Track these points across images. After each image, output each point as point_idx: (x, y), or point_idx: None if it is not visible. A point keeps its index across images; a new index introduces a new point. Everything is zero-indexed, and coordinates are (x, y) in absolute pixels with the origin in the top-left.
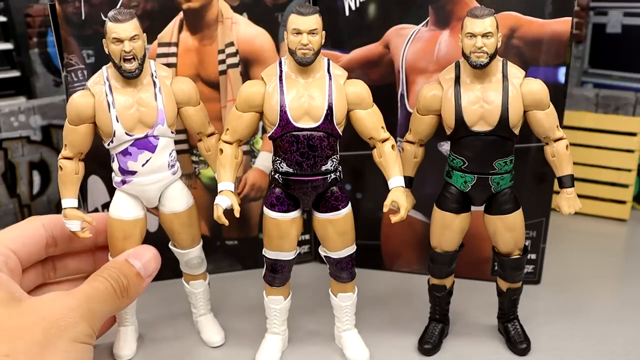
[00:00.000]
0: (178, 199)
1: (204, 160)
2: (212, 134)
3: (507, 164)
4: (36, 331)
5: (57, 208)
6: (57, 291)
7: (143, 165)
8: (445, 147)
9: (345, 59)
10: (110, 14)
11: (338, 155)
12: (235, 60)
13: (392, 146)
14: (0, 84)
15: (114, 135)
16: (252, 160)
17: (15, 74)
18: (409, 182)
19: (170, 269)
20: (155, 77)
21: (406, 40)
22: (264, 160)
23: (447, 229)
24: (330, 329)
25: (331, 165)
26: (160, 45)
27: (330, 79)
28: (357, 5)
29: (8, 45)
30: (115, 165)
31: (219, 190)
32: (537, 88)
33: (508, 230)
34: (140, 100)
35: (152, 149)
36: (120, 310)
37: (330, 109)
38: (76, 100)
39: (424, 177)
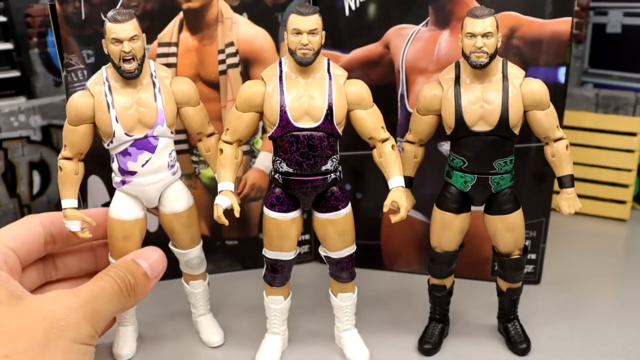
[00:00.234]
0: (178, 199)
1: (204, 160)
2: (212, 134)
3: (507, 164)
4: (37, 331)
5: (57, 208)
6: (59, 290)
7: (143, 165)
8: (445, 147)
9: (345, 59)
10: (110, 14)
11: (338, 155)
12: (235, 60)
13: (392, 146)
14: (0, 84)
15: (114, 136)
16: (252, 160)
17: (15, 74)
18: (409, 182)
19: (170, 269)
20: (155, 77)
21: (406, 40)
22: (264, 160)
23: (447, 229)
24: (330, 329)
25: (331, 165)
26: (160, 45)
27: (330, 79)
28: (357, 5)
29: (8, 45)
30: (115, 166)
31: (219, 190)
32: (537, 88)
33: (508, 230)
34: (140, 100)
35: (151, 149)
36: (126, 310)
37: (330, 109)
38: (76, 100)
39: (424, 177)
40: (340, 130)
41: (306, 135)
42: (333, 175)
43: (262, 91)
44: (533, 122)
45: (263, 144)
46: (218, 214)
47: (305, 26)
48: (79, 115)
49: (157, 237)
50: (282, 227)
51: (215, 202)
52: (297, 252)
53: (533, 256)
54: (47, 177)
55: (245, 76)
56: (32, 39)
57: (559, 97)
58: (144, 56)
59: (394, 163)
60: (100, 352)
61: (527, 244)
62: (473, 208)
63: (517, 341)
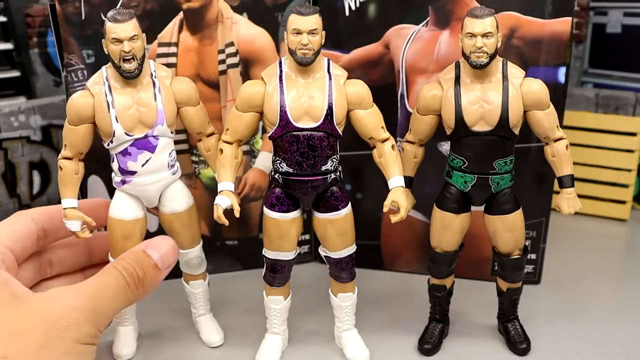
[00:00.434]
0: (178, 199)
1: (204, 160)
2: (212, 134)
3: (507, 164)
4: (37, 332)
5: None
6: (61, 287)
7: (143, 165)
8: (445, 147)
9: (345, 59)
10: (110, 14)
11: (338, 155)
12: (235, 60)
13: (392, 146)
14: (0, 84)
15: (114, 136)
16: (252, 160)
17: (15, 74)
18: (409, 182)
19: None
20: (155, 77)
21: (406, 40)
22: (264, 160)
23: (447, 229)
24: (330, 329)
25: (331, 165)
26: (160, 45)
27: (330, 79)
28: (357, 5)
29: (8, 45)
30: (115, 166)
31: (219, 190)
32: (537, 88)
33: (508, 230)
34: (140, 100)
35: (151, 149)
36: (133, 303)
37: (330, 109)
38: (76, 100)
39: (424, 177)
40: (340, 130)
41: (306, 135)
42: (333, 175)
43: (262, 91)
44: (533, 122)
45: (263, 144)
46: (218, 214)
47: (305, 26)
48: (79, 115)
49: None
50: (282, 227)
51: (215, 202)
52: (297, 252)
53: (533, 256)
54: (47, 177)
55: (245, 76)
56: (32, 39)
57: (559, 97)
58: (144, 56)
59: (394, 163)
60: (100, 352)
61: (527, 244)
62: (473, 208)
63: (517, 341)
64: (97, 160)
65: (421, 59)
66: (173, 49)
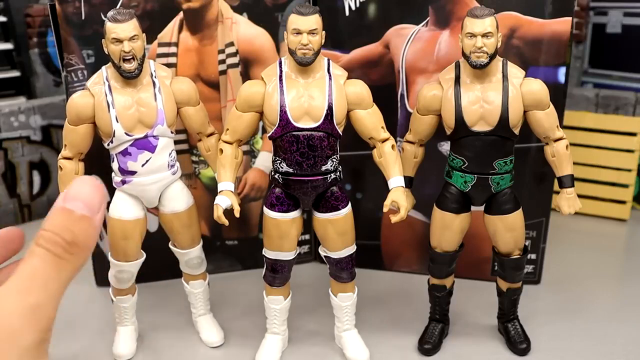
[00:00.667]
0: (178, 199)
1: (204, 160)
2: (212, 134)
3: (507, 164)
4: None
5: None
6: None
7: (143, 165)
8: (445, 147)
9: (345, 59)
10: (110, 14)
11: (338, 155)
12: (235, 60)
13: (392, 146)
14: (0, 84)
15: (114, 136)
16: (252, 160)
17: (15, 74)
18: (409, 182)
19: (170, 269)
20: (155, 77)
21: (406, 40)
22: (264, 160)
23: (447, 229)
24: (330, 329)
25: (331, 165)
26: (160, 45)
27: (330, 79)
28: (357, 5)
29: (8, 45)
30: (115, 166)
31: (219, 190)
32: (537, 88)
33: (508, 230)
34: (140, 100)
35: (151, 149)
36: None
37: (330, 109)
38: (76, 100)
39: (424, 177)
40: (340, 130)
41: (306, 135)
42: (333, 175)
43: (262, 91)
44: (533, 122)
45: (263, 144)
46: (218, 214)
47: (305, 26)
48: (79, 115)
49: (157, 237)
50: (282, 227)
51: (215, 202)
52: (297, 252)
53: (533, 256)
54: (47, 177)
55: (245, 76)
56: (32, 39)
57: (559, 97)
58: (144, 56)
59: (394, 163)
60: (100, 352)
61: (527, 244)
62: (473, 208)
63: (517, 341)
64: (97, 160)
65: (421, 59)
66: (173, 49)
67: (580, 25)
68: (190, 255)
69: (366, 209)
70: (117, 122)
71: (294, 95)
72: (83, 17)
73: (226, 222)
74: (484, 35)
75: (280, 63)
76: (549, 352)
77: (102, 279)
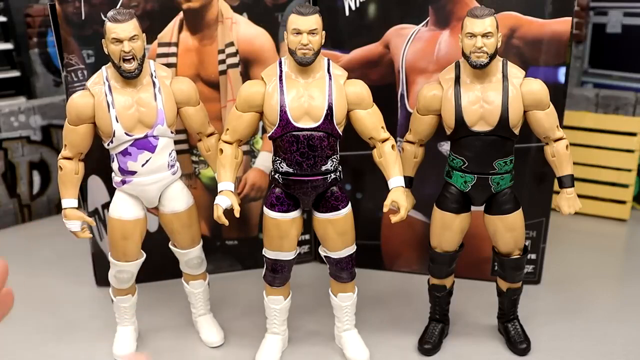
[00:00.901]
0: (178, 199)
1: (204, 160)
2: (212, 134)
3: (507, 164)
4: None
5: (57, 208)
6: None
7: (143, 165)
8: (445, 147)
9: (345, 59)
10: (110, 14)
11: (338, 155)
12: (235, 60)
13: (392, 146)
14: (0, 84)
15: (114, 136)
16: (252, 160)
17: (15, 74)
18: (409, 182)
19: (170, 269)
20: (155, 77)
21: (406, 40)
22: (264, 160)
23: (447, 229)
24: (330, 329)
25: (331, 165)
26: (160, 45)
27: (330, 79)
28: (357, 5)
29: (8, 45)
30: (115, 166)
31: (219, 190)
32: (537, 88)
33: (508, 230)
34: (140, 100)
35: (151, 149)
36: None
37: (330, 109)
38: (76, 100)
39: (424, 177)
40: (340, 130)
41: (306, 135)
42: (333, 175)
43: (262, 91)
44: (533, 122)
45: (263, 144)
46: (218, 214)
47: (305, 26)
48: (79, 115)
49: (157, 237)
50: (282, 227)
51: (215, 202)
52: (297, 252)
53: (533, 256)
54: (47, 177)
55: (245, 76)
56: (32, 39)
57: (559, 97)
58: (144, 56)
59: (394, 163)
60: (101, 352)
61: (527, 244)
62: (473, 208)
63: (517, 341)
64: (97, 160)
65: (421, 59)
66: (173, 49)
67: (580, 25)
68: (190, 256)
69: (366, 209)
70: (117, 122)
71: (294, 95)
72: (83, 17)
73: (226, 222)
74: (484, 35)
75: (280, 63)
76: (549, 352)
77: (102, 279)
